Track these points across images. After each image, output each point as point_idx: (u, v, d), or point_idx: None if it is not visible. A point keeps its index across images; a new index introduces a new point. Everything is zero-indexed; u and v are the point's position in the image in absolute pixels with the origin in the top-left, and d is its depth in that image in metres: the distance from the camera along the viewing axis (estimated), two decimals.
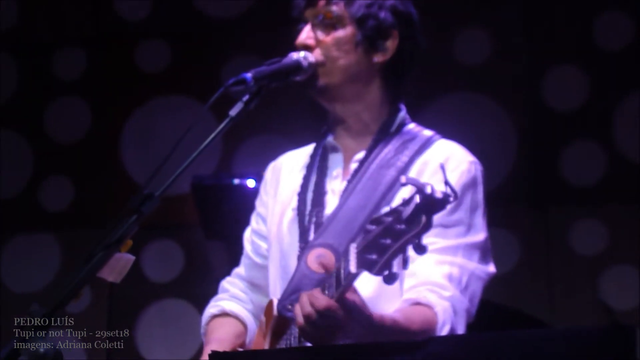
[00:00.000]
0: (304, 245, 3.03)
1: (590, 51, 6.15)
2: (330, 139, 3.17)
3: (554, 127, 6.07)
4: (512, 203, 6.02)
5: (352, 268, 2.48)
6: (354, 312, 2.61)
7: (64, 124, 6.66)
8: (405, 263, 2.39)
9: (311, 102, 3.11)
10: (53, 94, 6.67)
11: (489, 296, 5.53)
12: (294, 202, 3.13)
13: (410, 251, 2.41)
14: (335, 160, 3.15)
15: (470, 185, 3.04)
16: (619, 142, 6.13)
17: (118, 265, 2.66)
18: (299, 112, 4.80)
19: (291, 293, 2.94)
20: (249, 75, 2.90)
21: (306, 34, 3.09)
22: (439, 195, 2.31)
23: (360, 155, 3.10)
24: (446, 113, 6.15)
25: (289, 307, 2.90)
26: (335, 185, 3.10)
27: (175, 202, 5.68)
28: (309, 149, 3.27)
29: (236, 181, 5.44)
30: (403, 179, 2.36)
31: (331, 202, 3.07)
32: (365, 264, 2.43)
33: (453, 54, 6.25)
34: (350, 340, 2.63)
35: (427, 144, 3.09)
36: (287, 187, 3.21)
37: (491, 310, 5.55)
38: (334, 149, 3.16)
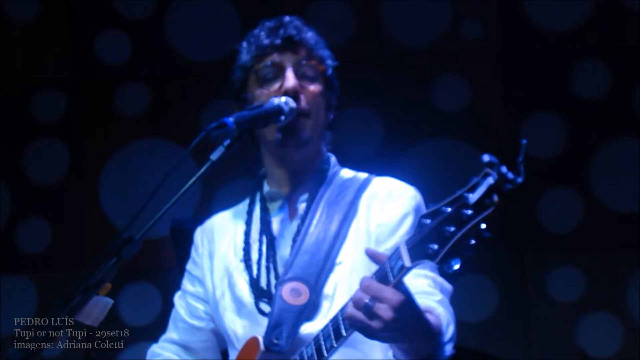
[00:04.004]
0: (258, 291, 3.10)
1: (568, 99, 6.19)
2: (269, 188, 3.24)
3: (531, 174, 6.09)
4: (490, 249, 6.03)
5: (407, 262, 2.49)
6: (408, 300, 2.59)
7: (42, 166, 6.64)
8: (468, 248, 2.39)
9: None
10: (31, 136, 6.65)
11: (467, 342, 5.53)
12: (240, 255, 3.20)
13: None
14: (279, 207, 3.22)
15: (420, 208, 3.13)
16: (596, 189, 6.16)
17: (96, 309, 2.64)
18: None
19: (274, 328, 2.99)
20: (230, 119, 2.91)
21: (295, 80, 3.13)
22: (511, 175, 2.38)
23: (305, 196, 3.18)
24: (424, 159, 6.18)
25: (275, 341, 2.97)
26: (283, 229, 3.17)
27: (154, 246, 5.66)
28: (238, 207, 3.34)
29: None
30: (486, 157, 2.42)
31: (281, 246, 3.15)
32: (424, 255, 2.45)
33: (432, 100, 6.29)
34: (396, 333, 2.61)
35: (366, 181, 3.19)
36: (227, 243, 3.27)
37: (469, 356, 5.55)
38: (275, 197, 3.23)
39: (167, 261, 5.75)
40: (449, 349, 2.80)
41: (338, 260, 3.07)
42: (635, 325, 6.06)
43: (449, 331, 2.82)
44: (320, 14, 6.08)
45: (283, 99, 3.07)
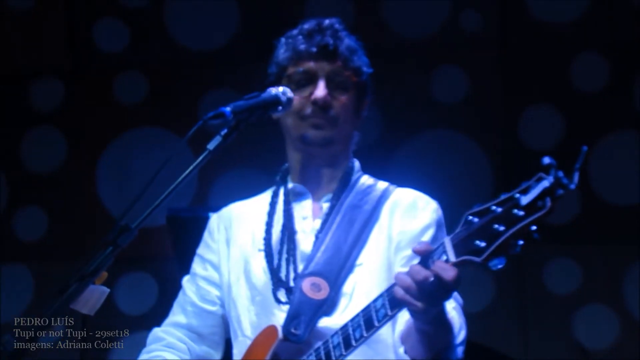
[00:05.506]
0: (277, 280, 3.15)
1: (567, 92, 6.19)
2: (295, 184, 3.29)
3: (529, 165, 6.09)
4: None
5: (452, 257, 2.58)
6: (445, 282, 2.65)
7: (39, 154, 6.64)
8: (515, 248, 2.47)
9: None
10: (29, 124, 6.65)
11: None
12: (260, 245, 3.24)
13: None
14: (302, 203, 3.28)
15: (441, 222, 3.21)
16: (593, 182, 6.17)
17: (92, 298, 2.64)
18: (276, 146, 4.80)
19: (293, 318, 3.05)
20: (227, 109, 2.91)
21: (325, 91, 3.19)
22: (566, 180, 2.43)
23: (329, 196, 3.26)
24: (423, 150, 6.18)
25: (294, 331, 3.02)
26: (306, 226, 3.23)
27: (150, 234, 5.65)
28: (258, 198, 3.39)
29: (212, 214, 5.42)
30: (546, 160, 2.47)
31: (302, 241, 3.20)
32: (471, 251, 2.54)
33: (431, 91, 6.29)
34: (426, 314, 2.71)
35: (388, 190, 3.27)
36: (245, 232, 3.31)
37: (465, 348, 5.55)
38: (300, 194, 3.28)
39: (164, 250, 5.75)
40: (459, 351, 2.90)
41: (358, 261, 3.14)
42: (631, 317, 6.07)
43: (461, 334, 2.92)
44: (319, 5, 6.08)
45: (280, 88, 3.09)
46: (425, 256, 2.66)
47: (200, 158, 2.85)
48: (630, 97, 6.15)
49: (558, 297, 6.14)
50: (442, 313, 2.78)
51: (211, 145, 2.88)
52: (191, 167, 2.82)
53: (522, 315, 6.16)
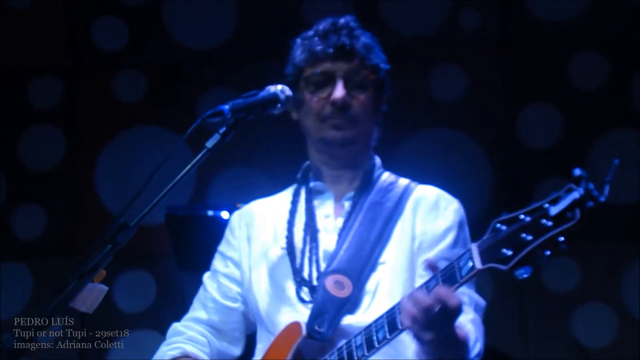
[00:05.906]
0: (300, 279, 3.17)
1: (566, 91, 6.19)
2: (317, 183, 3.30)
3: (528, 164, 6.10)
4: None
5: (478, 264, 2.59)
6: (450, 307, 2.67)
7: (38, 152, 6.63)
8: (542, 258, 2.48)
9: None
10: (28, 122, 6.64)
11: None
12: (282, 243, 3.25)
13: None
14: (324, 202, 3.29)
15: (464, 222, 3.24)
16: (592, 180, 6.16)
17: (91, 296, 2.64)
18: (274, 145, 4.81)
19: (316, 316, 3.07)
20: (226, 107, 2.92)
21: (343, 91, 3.19)
22: (596, 192, 2.48)
23: (351, 194, 3.27)
24: (422, 148, 6.18)
25: (317, 328, 3.04)
26: (328, 224, 3.24)
27: (149, 233, 5.65)
28: (279, 196, 3.39)
29: (210, 212, 5.43)
30: (577, 171, 2.51)
31: (325, 239, 3.22)
32: (497, 259, 2.54)
33: (430, 90, 6.29)
34: (432, 339, 2.70)
35: (409, 187, 3.28)
36: (267, 230, 3.31)
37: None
38: (322, 192, 3.30)
39: (162, 248, 5.75)
40: None
41: (381, 259, 3.15)
42: (630, 316, 6.07)
43: (476, 348, 2.94)
44: (318, 4, 6.07)
45: (279, 87, 3.11)
46: (451, 264, 2.67)
47: (199, 156, 2.87)
48: (630, 96, 6.15)
49: (557, 295, 6.13)
50: (451, 333, 2.77)
51: (210, 144, 2.90)
52: (190, 165, 2.83)
53: (521, 314, 6.16)
